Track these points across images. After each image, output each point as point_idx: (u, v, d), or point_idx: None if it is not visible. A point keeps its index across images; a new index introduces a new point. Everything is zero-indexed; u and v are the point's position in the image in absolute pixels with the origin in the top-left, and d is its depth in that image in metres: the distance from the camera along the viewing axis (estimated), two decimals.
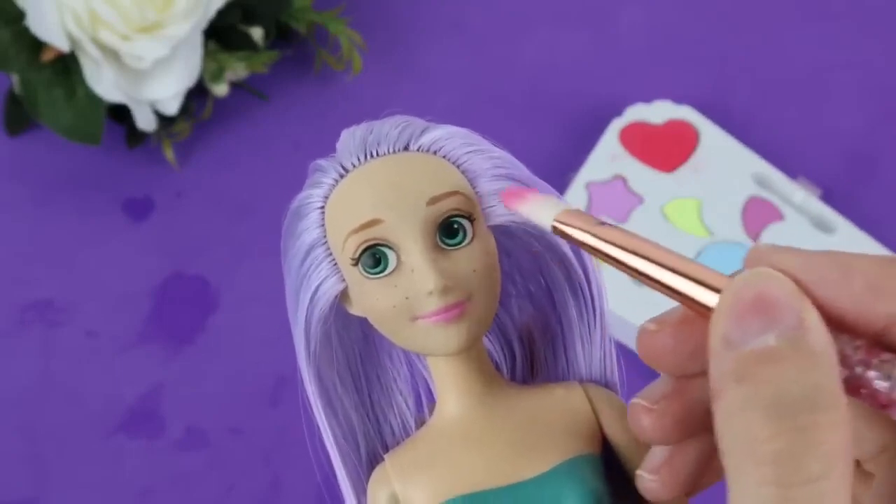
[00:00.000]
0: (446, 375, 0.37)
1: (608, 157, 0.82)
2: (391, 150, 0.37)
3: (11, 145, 0.85)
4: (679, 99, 0.85)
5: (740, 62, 0.90)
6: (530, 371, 0.41)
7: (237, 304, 0.80)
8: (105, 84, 0.77)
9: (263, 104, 0.88)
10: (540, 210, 0.34)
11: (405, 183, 0.36)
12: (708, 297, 0.29)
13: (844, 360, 0.28)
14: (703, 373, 0.29)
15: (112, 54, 0.77)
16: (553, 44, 0.91)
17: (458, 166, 0.37)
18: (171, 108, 0.80)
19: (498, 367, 0.41)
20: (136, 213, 0.83)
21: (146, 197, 0.84)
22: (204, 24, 0.79)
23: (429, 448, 0.38)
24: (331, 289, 0.37)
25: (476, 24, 0.92)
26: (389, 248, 0.36)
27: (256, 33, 0.84)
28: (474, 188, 0.37)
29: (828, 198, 0.83)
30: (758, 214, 0.81)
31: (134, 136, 0.83)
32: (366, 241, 0.35)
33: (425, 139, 0.37)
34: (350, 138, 0.38)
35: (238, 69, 0.84)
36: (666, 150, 0.83)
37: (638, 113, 0.84)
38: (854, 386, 0.28)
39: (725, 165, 0.83)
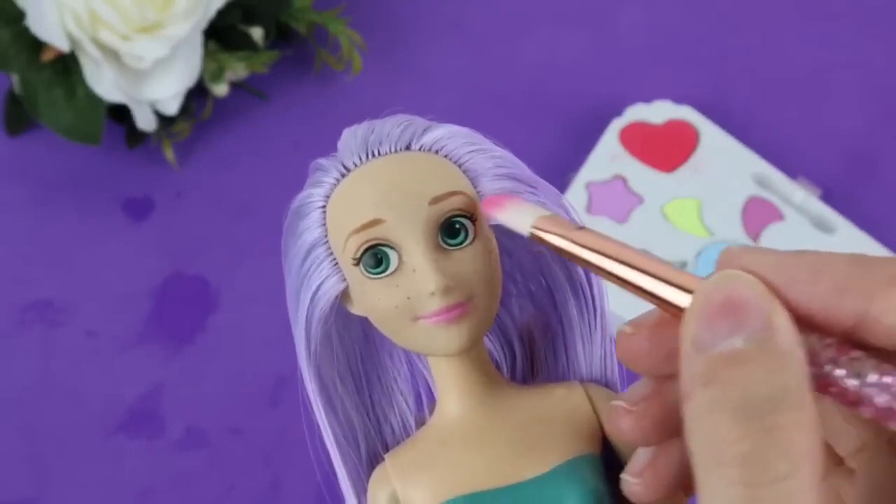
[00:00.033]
0: (447, 375, 0.37)
1: (608, 157, 0.82)
2: (393, 150, 0.37)
3: (11, 145, 0.85)
4: (679, 99, 0.85)
5: (740, 62, 0.90)
6: (531, 371, 0.41)
7: (237, 304, 0.80)
8: (105, 84, 0.77)
9: (263, 104, 0.88)
10: (518, 217, 0.34)
11: (407, 182, 0.36)
12: (681, 300, 0.29)
13: (814, 359, 0.28)
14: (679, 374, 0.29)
15: (112, 54, 0.77)
16: (553, 44, 0.91)
17: (459, 166, 0.37)
18: (171, 108, 0.80)
19: (498, 367, 0.41)
20: (136, 213, 0.83)
21: (146, 197, 0.84)
22: (204, 24, 0.79)
23: (429, 448, 0.38)
24: (332, 288, 0.37)
25: (476, 24, 0.92)
26: (391, 248, 0.35)
27: (256, 33, 0.84)
28: (476, 188, 0.37)
29: (828, 198, 0.83)
30: (758, 214, 0.81)
31: (134, 136, 0.83)
32: (367, 241, 0.35)
33: (427, 138, 0.37)
34: (351, 137, 0.38)
35: (238, 69, 0.84)
36: (666, 150, 0.83)
37: (638, 113, 0.84)
38: (824, 384, 0.28)
39: (725, 165, 0.83)
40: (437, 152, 0.37)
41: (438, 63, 0.89)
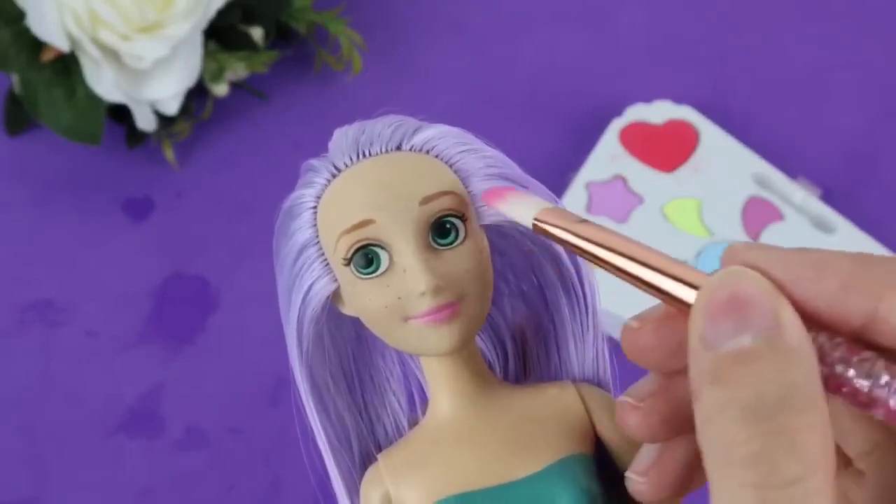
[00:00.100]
0: (439, 375, 0.37)
1: (608, 157, 0.82)
2: (383, 150, 0.37)
3: (11, 145, 0.85)
4: (679, 99, 0.85)
5: (740, 62, 0.90)
6: (523, 370, 0.41)
7: (237, 304, 0.80)
8: (105, 84, 0.77)
9: (263, 104, 0.88)
10: (521, 208, 0.34)
11: (397, 183, 0.36)
12: (687, 294, 0.29)
13: (824, 358, 0.28)
14: (687, 370, 0.29)
15: (112, 54, 0.78)
16: (553, 44, 0.91)
17: (450, 166, 0.37)
18: (171, 108, 0.80)
19: (490, 367, 0.41)
20: (136, 213, 0.83)
21: (146, 197, 0.84)
22: (204, 24, 0.79)
23: (422, 448, 0.38)
24: (323, 289, 0.37)
25: (476, 24, 0.92)
26: (382, 248, 0.35)
27: (256, 33, 0.84)
28: (467, 188, 0.37)
29: (828, 198, 0.83)
30: (758, 214, 0.81)
31: (134, 136, 0.83)
32: (358, 242, 0.35)
33: (418, 139, 0.37)
34: (342, 138, 0.38)
35: (238, 69, 0.84)
36: (666, 150, 0.83)
37: (638, 113, 0.84)
38: (835, 384, 0.28)
39: (725, 165, 0.83)
40: (427, 152, 0.37)
41: (438, 63, 0.89)
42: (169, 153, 0.83)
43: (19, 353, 0.78)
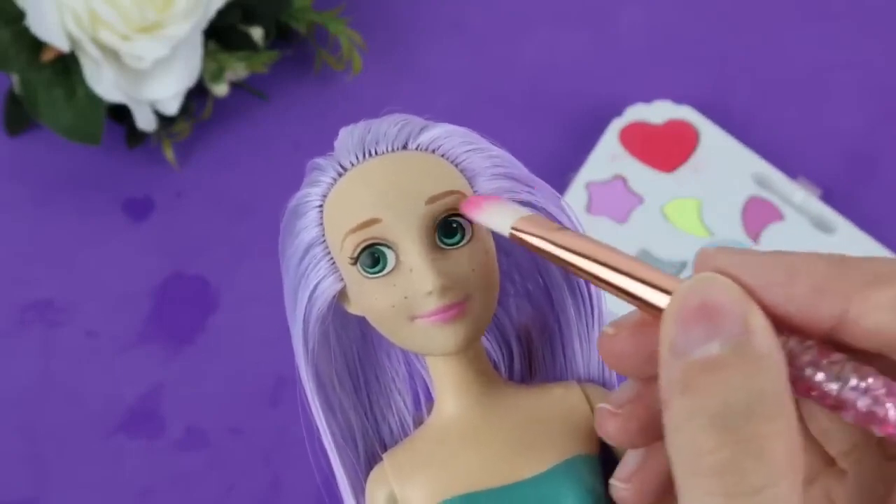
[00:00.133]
0: (444, 375, 0.37)
1: (608, 157, 0.82)
2: (390, 149, 0.37)
3: (11, 145, 0.85)
4: (679, 99, 0.85)
5: (740, 62, 0.90)
6: (528, 370, 0.41)
7: (237, 304, 0.80)
8: (105, 84, 0.77)
9: (263, 104, 0.88)
10: (498, 217, 0.34)
11: (404, 182, 0.36)
12: (661, 301, 0.29)
13: (795, 362, 0.28)
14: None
15: (112, 54, 0.77)
16: (553, 44, 0.91)
17: (456, 165, 0.37)
18: (171, 108, 0.80)
19: (496, 367, 0.41)
20: (136, 213, 0.83)
21: (146, 197, 0.84)
22: (204, 24, 0.79)
23: (427, 448, 0.38)
24: (329, 288, 0.37)
25: (476, 24, 0.91)
26: (388, 247, 0.35)
27: (256, 33, 0.84)
28: (473, 187, 0.37)
29: (828, 198, 0.83)
30: (758, 214, 0.81)
31: (134, 136, 0.83)
32: (364, 241, 0.35)
33: (424, 138, 0.37)
34: (348, 137, 0.38)
35: (238, 69, 0.84)
36: (666, 150, 0.83)
37: (638, 113, 0.84)
38: (805, 387, 0.28)
39: (725, 165, 0.83)
40: (433, 151, 0.37)
41: (438, 63, 0.89)
42: (169, 153, 0.83)
43: (19, 353, 0.78)
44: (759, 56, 0.90)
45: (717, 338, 0.27)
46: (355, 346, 0.40)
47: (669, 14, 0.92)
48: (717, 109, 0.86)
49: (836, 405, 0.28)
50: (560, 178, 0.82)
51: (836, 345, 0.28)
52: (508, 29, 0.91)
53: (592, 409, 0.38)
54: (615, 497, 0.34)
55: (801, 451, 0.27)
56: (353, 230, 0.35)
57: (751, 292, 0.28)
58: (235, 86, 0.86)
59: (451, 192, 0.36)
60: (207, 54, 0.82)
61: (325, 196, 0.37)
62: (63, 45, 0.76)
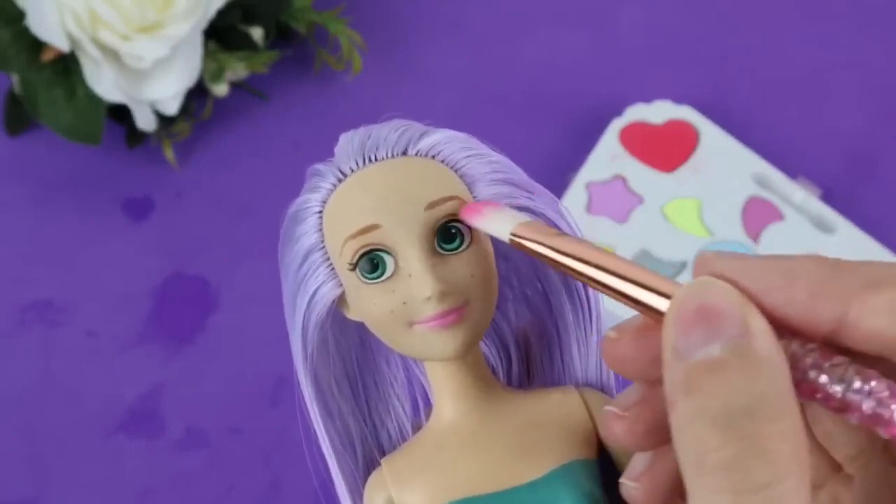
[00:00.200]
0: (443, 380, 0.37)
1: (608, 157, 0.82)
2: (389, 155, 0.37)
3: (11, 145, 0.85)
4: (679, 99, 0.85)
5: (740, 62, 0.90)
6: (527, 375, 0.41)
7: (237, 304, 0.80)
8: (105, 84, 0.77)
9: (263, 104, 0.88)
10: (497, 223, 0.34)
11: (403, 188, 0.36)
12: (661, 304, 0.29)
13: (797, 365, 0.28)
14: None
15: (112, 54, 0.77)
16: (553, 44, 0.91)
17: (456, 171, 0.37)
18: (171, 108, 0.80)
19: (494, 372, 0.41)
20: (136, 213, 0.83)
21: (146, 197, 0.84)
22: (204, 24, 0.79)
23: (425, 453, 0.38)
24: (328, 293, 0.37)
25: (476, 24, 0.91)
26: (387, 253, 0.35)
27: (256, 33, 0.84)
28: (472, 193, 0.37)
29: (828, 198, 0.83)
30: (758, 214, 0.81)
31: (134, 136, 0.83)
32: (364, 247, 0.35)
33: (423, 144, 0.37)
34: (348, 143, 0.38)
35: (238, 69, 0.84)
36: (666, 150, 0.83)
37: (638, 113, 0.84)
38: (808, 390, 0.28)
39: (725, 165, 0.83)
40: (433, 157, 0.37)
41: (438, 63, 0.89)
42: (169, 153, 0.83)
43: (19, 353, 0.78)
44: (759, 56, 0.90)
45: (718, 340, 0.27)
46: (354, 352, 0.40)
47: (669, 14, 0.92)
48: (717, 109, 0.86)
49: (841, 407, 0.28)
50: (560, 179, 0.82)
51: (836, 348, 0.28)
52: (508, 29, 0.91)
53: (591, 414, 0.38)
54: (626, 496, 0.34)
55: (807, 451, 0.27)
56: (353, 236, 0.35)
57: (750, 296, 0.29)
58: (235, 86, 0.86)
59: (451, 198, 0.36)
60: (207, 54, 0.82)
61: (324, 202, 0.37)
62: (63, 45, 0.76)
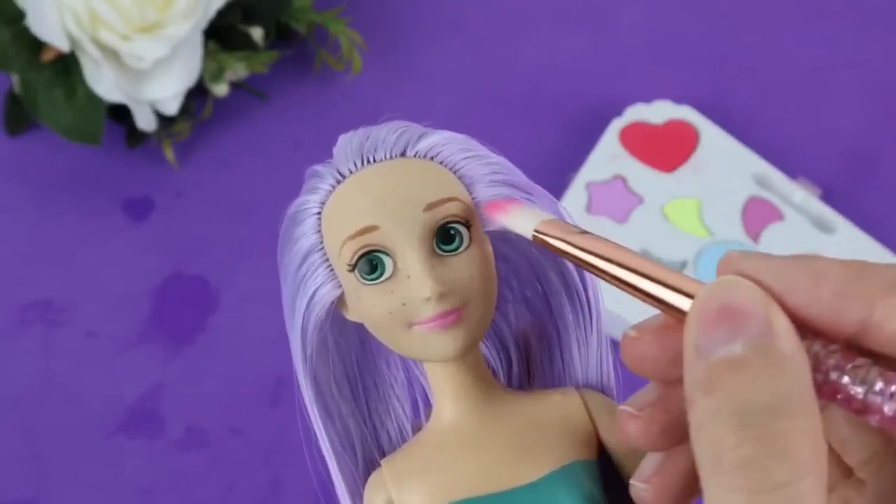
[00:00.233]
0: (443, 381, 0.37)
1: (608, 157, 0.82)
2: (388, 156, 0.37)
3: (11, 145, 0.85)
4: (679, 99, 0.85)
5: (740, 62, 0.90)
6: (527, 376, 0.41)
7: (237, 304, 0.80)
8: (105, 84, 0.77)
9: (263, 104, 0.88)
10: (522, 220, 0.35)
11: (402, 189, 0.36)
12: (684, 304, 0.29)
13: (819, 365, 0.28)
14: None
15: (112, 54, 0.77)
16: (553, 44, 0.91)
17: (455, 172, 0.37)
18: (171, 108, 0.80)
19: (494, 373, 0.41)
20: (136, 213, 0.83)
21: (146, 197, 0.84)
22: (204, 24, 0.79)
23: (425, 454, 0.38)
24: (327, 294, 0.37)
25: (476, 24, 0.91)
26: (386, 254, 0.35)
27: (256, 33, 0.84)
28: (471, 194, 0.37)
29: (828, 198, 0.83)
30: (758, 214, 0.81)
31: (134, 136, 0.83)
32: (362, 248, 0.35)
33: (422, 145, 0.37)
34: (347, 144, 0.38)
35: (238, 69, 0.84)
36: (666, 150, 0.83)
37: (638, 113, 0.84)
38: (830, 391, 0.28)
39: (725, 165, 0.83)
40: (432, 159, 0.37)
41: (438, 63, 0.89)
42: (169, 153, 0.83)
43: (19, 353, 0.78)
44: (759, 56, 0.90)
45: (740, 338, 0.27)
46: (354, 353, 0.40)
47: (669, 14, 0.92)
48: (717, 109, 0.86)
49: (862, 409, 0.28)
50: (560, 178, 0.82)
51: (859, 349, 0.28)
52: (508, 29, 0.91)
53: (591, 415, 0.38)
54: (635, 497, 0.34)
55: (825, 453, 0.27)
56: (352, 237, 0.35)
57: (774, 295, 0.28)
58: (235, 86, 0.86)
59: (450, 199, 0.36)
60: (207, 54, 0.82)
61: (323, 203, 0.37)
62: (63, 45, 0.76)
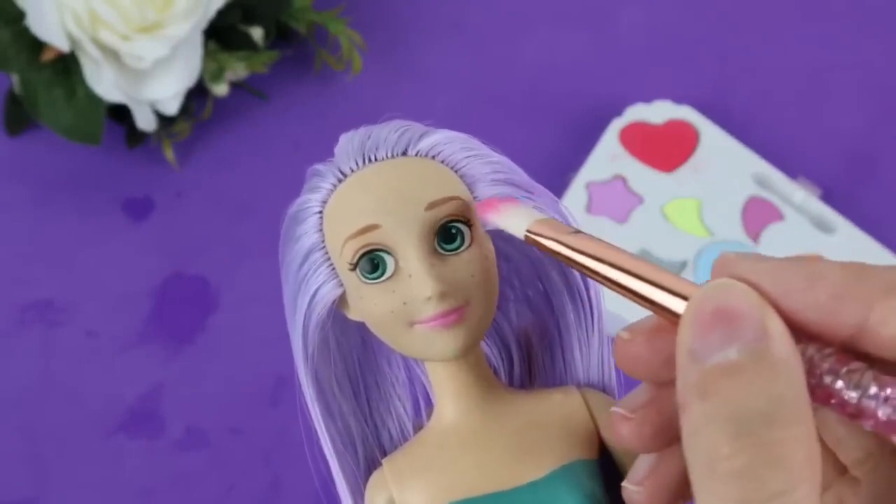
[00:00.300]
0: (444, 380, 0.37)
1: (608, 157, 0.82)
2: (389, 155, 0.37)
3: (11, 145, 0.85)
4: (679, 99, 0.85)
5: (740, 62, 0.90)
6: (528, 375, 0.41)
7: (237, 304, 0.80)
8: (105, 84, 0.77)
9: (263, 104, 0.88)
10: (513, 219, 0.34)
11: (403, 188, 0.36)
12: (677, 306, 0.29)
13: (813, 369, 0.28)
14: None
15: (112, 54, 0.77)
16: (553, 44, 0.91)
17: (456, 171, 0.37)
18: (171, 108, 0.80)
19: (496, 372, 0.41)
20: (136, 213, 0.83)
21: (146, 197, 0.84)
22: (204, 24, 0.79)
23: (426, 453, 0.38)
24: (328, 293, 0.37)
25: (476, 24, 0.91)
26: (387, 253, 0.35)
27: (256, 33, 0.84)
28: (473, 193, 0.37)
29: (828, 198, 0.83)
30: (758, 214, 0.81)
31: (134, 136, 0.83)
32: (364, 247, 0.35)
33: (424, 144, 0.37)
34: (348, 143, 0.38)
35: (238, 69, 0.84)
36: (666, 150, 0.83)
37: (638, 113, 0.84)
38: (824, 395, 0.28)
39: (725, 165, 0.83)
40: (433, 158, 0.37)
41: (438, 63, 0.89)
42: (169, 153, 0.83)
43: (19, 353, 0.78)
44: (759, 56, 0.90)
45: (735, 343, 0.27)
46: (355, 352, 0.40)
47: (669, 14, 0.92)
48: (717, 109, 0.86)
49: (856, 413, 0.27)
50: (560, 178, 0.82)
51: (855, 353, 0.28)
52: (508, 29, 0.91)
53: (592, 415, 0.38)
54: (628, 500, 0.34)
55: (819, 458, 0.27)
56: (353, 236, 0.35)
57: (769, 298, 0.28)
58: (235, 86, 0.86)
59: (451, 198, 0.36)
60: (207, 54, 0.82)
61: (324, 202, 0.37)
62: (63, 45, 0.76)
